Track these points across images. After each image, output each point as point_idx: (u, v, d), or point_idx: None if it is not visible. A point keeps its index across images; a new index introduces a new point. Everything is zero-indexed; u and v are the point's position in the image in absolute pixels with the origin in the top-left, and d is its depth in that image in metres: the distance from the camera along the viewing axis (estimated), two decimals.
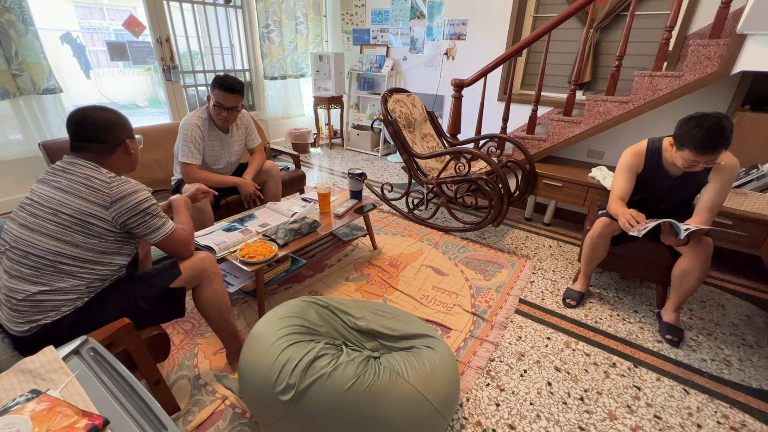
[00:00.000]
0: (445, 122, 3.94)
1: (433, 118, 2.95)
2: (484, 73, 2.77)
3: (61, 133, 2.74)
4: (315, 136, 4.69)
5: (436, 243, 2.44)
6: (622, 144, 2.71)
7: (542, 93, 2.93)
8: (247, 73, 4.08)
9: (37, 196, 1.04)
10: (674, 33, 2.45)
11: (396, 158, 4.26)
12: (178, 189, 2.03)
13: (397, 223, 2.71)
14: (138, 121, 6.65)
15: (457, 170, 2.33)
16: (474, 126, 3.11)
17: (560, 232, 2.66)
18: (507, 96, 2.78)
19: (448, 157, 2.50)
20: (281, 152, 2.82)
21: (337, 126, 4.85)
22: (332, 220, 1.94)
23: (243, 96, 1.94)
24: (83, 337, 0.81)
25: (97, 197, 1.05)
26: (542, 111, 3.21)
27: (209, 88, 1.87)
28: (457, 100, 2.92)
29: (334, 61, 4.18)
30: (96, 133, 1.10)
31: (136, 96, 8.27)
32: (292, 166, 2.78)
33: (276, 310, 1.33)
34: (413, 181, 2.66)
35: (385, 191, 2.93)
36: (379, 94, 4.31)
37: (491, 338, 1.65)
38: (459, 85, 2.86)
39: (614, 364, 1.53)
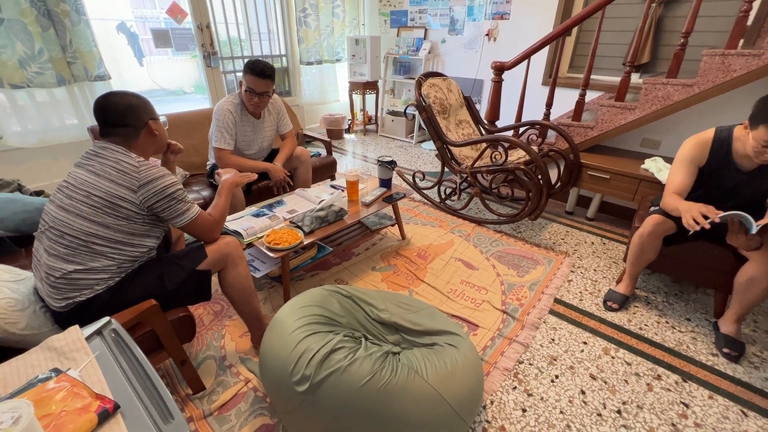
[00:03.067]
0: (483, 108, 3.76)
1: (469, 104, 2.81)
2: (527, 55, 2.59)
3: None
4: (349, 122, 4.66)
5: (467, 235, 2.35)
6: (683, 133, 2.43)
7: (591, 76, 2.69)
8: (284, 59, 4.10)
9: (73, 179, 1.08)
10: (755, 5, 2.14)
11: (430, 145, 4.14)
12: (212, 174, 2.08)
13: (428, 213, 2.63)
14: (183, 106, 6.98)
15: (493, 159, 2.21)
16: (513, 112, 2.92)
17: (605, 228, 2.46)
18: (552, 80, 2.58)
19: (483, 145, 2.37)
20: (313, 138, 2.82)
21: (371, 112, 4.79)
22: (360, 208, 1.90)
23: (274, 81, 1.93)
24: (106, 319, 0.84)
25: (126, 181, 1.07)
26: (590, 96, 2.95)
27: (238, 74, 1.87)
28: (497, 84, 2.75)
29: (370, 45, 4.09)
30: (119, 117, 1.12)
31: (184, 82, 8.65)
32: (324, 153, 2.77)
33: (298, 298, 1.32)
34: (446, 169, 2.56)
35: (417, 180, 2.85)
36: (413, 78, 4.19)
37: (521, 339, 1.56)
38: (500, 69, 2.69)
39: (659, 376, 1.39)
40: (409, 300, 1.48)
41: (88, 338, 0.79)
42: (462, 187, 2.51)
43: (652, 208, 1.69)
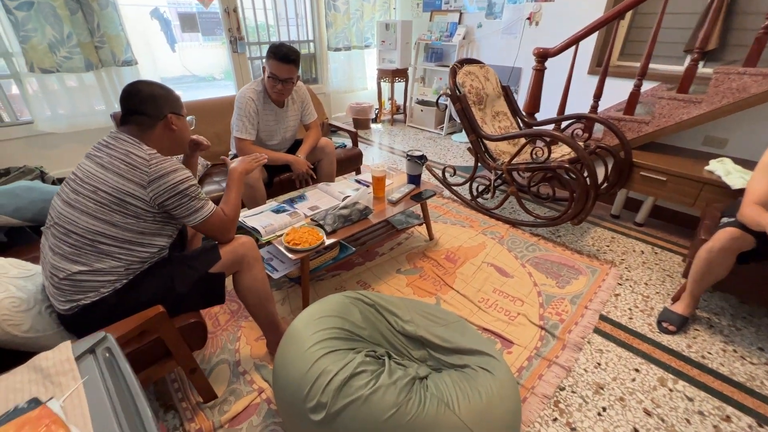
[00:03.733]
0: (521, 99, 3.50)
1: (508, 94, 2.59)
2: (575, 41, 2.34)
3: None
4: (377, 111, 4.50)
5: (500, 237, 2.17)
6: (756, 131, 2.13)
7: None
8: (311, 44, 3.97)
9: (81, 171, 1.00)
10: None
11: (461, 138, 3.93)
12: None
13: (458, 212, 2.46)
14: (213, 92, 7.01)
15: (534, 156, 2.00)
16: (555, 104, 2.68)
17: (656, 235, 2.22)
18: (603, 68, 2.33)
19: (522, 141, 2.17)
20: (339, 128, 2.69)
21: (400, 101, 4.60)
22: (386, 206, 1.77)
23: (299, 66, 1.80)
24: (101, 334, 0.75)
25: (135, 175, 0.98)
26: (642, 87, 2.66)
27: (265, 58, 1.76)
28: (539, 73, 2.52)
29: (401, 30, 3.89)
30: (138, 104, 1.03)
31: (214, 68, 8.72)
32: (349, 143, 2.64)
33: (317, 306, 1.21)
34: (479, 165, 2.37)
35: (447, 175, 2.68)
36: (448, 66, 3.97)
37: (562, 361, 1.39)
38: (543, 56, 2.45)
39: (728, 417, 1.20)
40: (437, 310, 1.34)
41: (80, 357, 0.70)
42: (496, 185, 2.32)
43: (725, 219, 1.46)
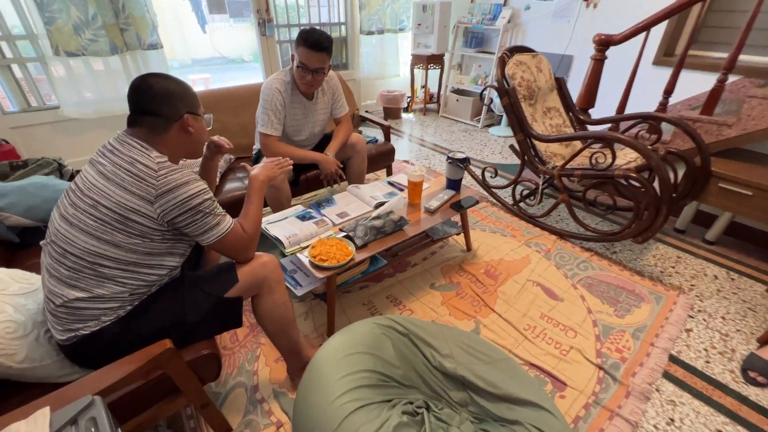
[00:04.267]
0: (573, 92, 3.17)
1: (561, 88, 2.30)
2: (647, 26, 2.03)
3: None
4: (408, 99, 4.25)
5: (547, 251, 1.94)
6: None
7: (721, 54, 2.05)
8: (342, 27, 3.74)
9: (82, 181, 0.87)
10: None
11: (500, 131, 3.64)
12: (257, 160, 1.85)
13: (498, 218, 2.24)
14: (241, 74, 6.94)
15: (594, 161, 1.75)
16: (610, 99, 2.37)
17: (732, 257, 1.92)
18: (679, 59, 2.01)
19: (579, 144, 1.90)
20: (371, 120, 2.49)
21: (434, 89, 4.32)
22: (422, 215, 1.58)
23: (331, 55, 1.61)
24: (88, 398, 0.61)
25: (140, 188, 0.83)
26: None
27: (293, 45, 1.58)
28: (598, 63, 2.22)
29: (439, 12, 3.60)
30: (150, 102, 0.88)
31: (243, 50, 8.63)
32: (380, 137, 2.44)
33: (345, 336, 1.05)
34: (525, 167, 2.13)
35: (488, 176, 2.44)
36: (488, 53, 3.66)
37: (626, 413, 1.18)
38: (605, 43, 2.15)
39: None
40: (480, 343, 1.16)
41: (60, 429, 0.56)
42: (543, 190, 2.08)
43: None
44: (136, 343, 0.87)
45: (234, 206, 1.09)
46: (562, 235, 2.05)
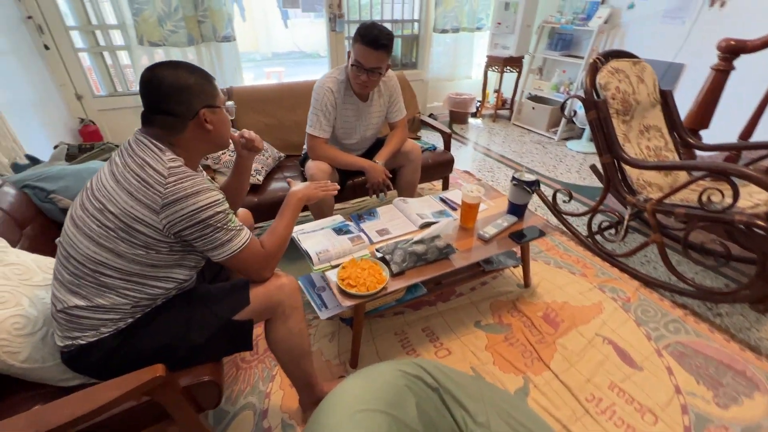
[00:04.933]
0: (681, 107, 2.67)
1: (667, 102, 1.90)
2: None
3: (234, 82, 2.83)
4: (478, 104, 3.95)
5: (626, 300, 1.60)
6: None
7: None
8: (415, 24, 3.57)
9: (96, 181, 0.81)
10: None
11: (579, 146, 3.21)
12: (304, 161, 1.75)
13: (567, 250, 1.92)
14: (315, 69, 7.11)
15: (705, 199, 1.38)
16: (733, 121, 1.90)
17: None
18: None
19: (685, 175, 1.53)
20: (431, 126, 2.29)
21: (507, 94, 3.97)
22: (474, 242, 1.36)
23: (390, 53, 1.45)
24: None
25: (146, 196, 0.75)
26: None
27: (351, 41, 1.44)
28: (721, 75, 1.81)
29: (523, 10, 3.27)
30: (161, 100, 0.79)
31: (319, 46, 8.88)
32: (440, 145, 2.24)
33: (363, 383, 0.88)
34: (609, 193, 1.78)
35: (559, 199, 2.12)
36: (576, 57, 3.25)
37: None
38: (733, 50, 1.75)
39: None
40: (525, 413, 0.92)
41: None
42: (630, 224, 1.72)
43: None
44: (134, 360, 0.80)
45: (277, 206, 0.99)
46: (648, 282, 1.69)
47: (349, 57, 1.48)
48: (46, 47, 2.27)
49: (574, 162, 2.97)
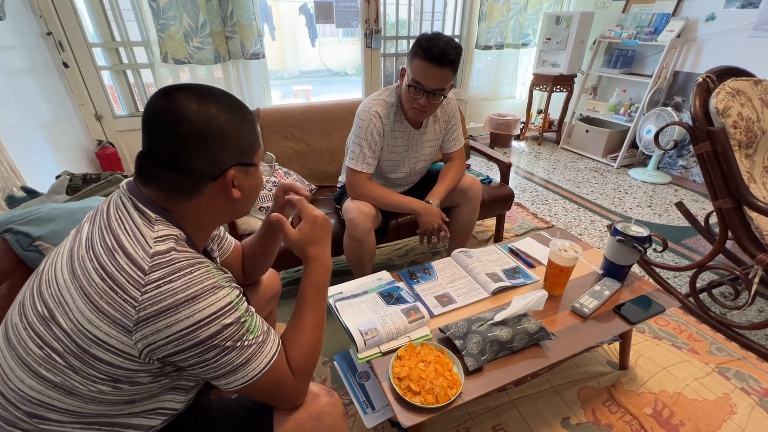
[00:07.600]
0: None
1: None
2: None
3: (261, 101, 2.63)
4: (522, 126, 3.62)
5: (763, 393, 1.19)
6: None
7: None
8: (456, 40, 3.30)
9: (50, 264, 0.52)
10: None
11: (643, 175, 2.80)
12: (341, 197, 1.46)
13: (669, 316, 1.53)
14: (342, 88, 6.98)
15: None
16: None
17: None
18: None
19: None
20: (484, 154, 1.96)
21: (554, 116, 3.62)
22: (568, 319, 1.01)
23: (456, 72, 1.15)
24: None
25: (114, 305, 0.45)
26: None
27: (407, 57, 1.16)
28: None
29: (577, 25, 2.95)
30: (176, 149, 0.50)
31: (347, 64, 8.83)
32: (494, 176, 1.92)
33: None
34: (724, 246, 1.40)
35: (651, 245, 1.74)
36: (640, 75, 2.88)
37: None
38: None
39: None
40: None
41: None
42: (755, 287, 1.33)
43: None
44: None
45: None
46: None
47: (402, 76, 1.20)
48: (66, 65, 2.11)
49: (642, 194, 2.57)
